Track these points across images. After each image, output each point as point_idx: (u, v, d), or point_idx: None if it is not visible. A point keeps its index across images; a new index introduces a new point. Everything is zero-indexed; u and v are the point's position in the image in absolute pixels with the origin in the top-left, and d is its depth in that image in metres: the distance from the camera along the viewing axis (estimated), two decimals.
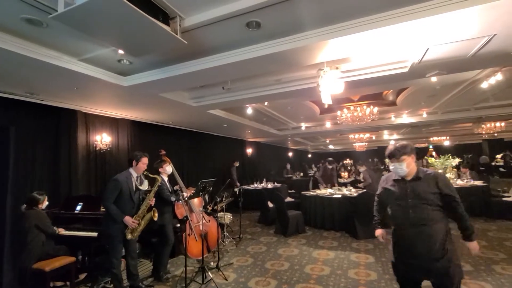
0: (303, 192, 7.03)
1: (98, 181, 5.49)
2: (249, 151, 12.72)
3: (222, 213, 5.43)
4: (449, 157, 7.73)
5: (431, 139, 17.26)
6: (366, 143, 17.59)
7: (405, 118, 9.40)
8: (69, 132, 5.01)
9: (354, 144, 17.45)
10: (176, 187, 4.25)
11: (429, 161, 8.49)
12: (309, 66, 3.97)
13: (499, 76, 5.12)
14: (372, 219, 2.49)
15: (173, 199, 3.90)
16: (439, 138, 16.89)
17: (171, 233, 3.89)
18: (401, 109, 8.58)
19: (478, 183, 7.06)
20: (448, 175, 7.51)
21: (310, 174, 14.59)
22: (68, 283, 3.56)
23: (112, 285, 3.44)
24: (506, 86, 5.96)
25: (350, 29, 2.72)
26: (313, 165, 20.11)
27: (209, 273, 3.70)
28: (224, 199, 5.39)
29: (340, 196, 6.11)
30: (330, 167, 7.97)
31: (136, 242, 3.48)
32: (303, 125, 10.60)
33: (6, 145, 2.66)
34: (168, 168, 4.05)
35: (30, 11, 2.39)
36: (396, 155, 2.08)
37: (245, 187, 9.08)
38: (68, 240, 3.71)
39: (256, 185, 9.46)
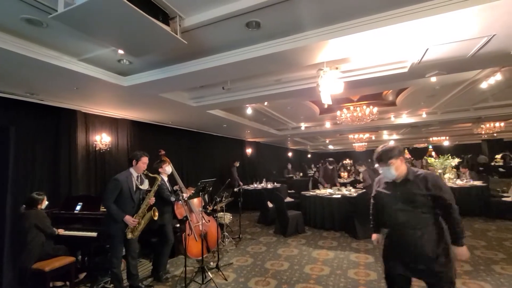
0: (302, 192, 7.04)
1: (97, 181, 5.49)
2: (249, 151, 12.72)
3: (221, 213, 5.43)
4: (448, 157, 7.74)
5: (431, 139, 17.28)
6: (366, 143, 17.60)
7: (405, 118, 9.40)
8: (69, 132, 5.00)
9: (353, 144, 17.45)
10: (175, 187, 4.25)
11: (429, 161, 8.51)
12: (309, 66, 3.97)
13: (498, 76, 5.12)
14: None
15: (172, 199, 3.90)
16: (439, 138, 16.91)
17: (170, 233, 3.89)
18: (400, 109, 8.58)
19: (478, 183, 7.06)
20: (447, 175, 7.53)
21: (309, 174, 14.60)
22: (67, 283, 3.56)
23: (112, 285, 3.44)
24: (506, 86, 5.97)
25: (350, 29, 2.72)
26: (312, 165, 20.12)
27: (209, 273, 3.70)
28: (223, 199, 5.39)
29: (339, 196, 6.12)
30: (330, 167, 7.98)
31: (136, 242, 3.48)
32: (303, 125, 10.60)
33: (6, 145, 2.65)
34: (168, 168, 4.05)
35: (30, 11, 2.38)
36: (383, 159, 2.01)
37: (245, 187, 9.09)
38: (68, 240, 3.71)
39: (255, 185, 9.47)
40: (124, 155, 6.09)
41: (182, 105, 5.52)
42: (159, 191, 3.67)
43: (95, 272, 3.87)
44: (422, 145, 21.85)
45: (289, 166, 14.10)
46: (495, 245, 4.60)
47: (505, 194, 7.01)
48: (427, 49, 3.30)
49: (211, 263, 4.25)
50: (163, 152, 4.20)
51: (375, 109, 7.50)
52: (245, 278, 3.75)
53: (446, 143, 18.09)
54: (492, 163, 14.83)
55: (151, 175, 3.54)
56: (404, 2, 2.45)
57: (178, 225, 4.55)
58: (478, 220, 6.30)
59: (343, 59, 3.83)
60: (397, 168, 1.99)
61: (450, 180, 7.42)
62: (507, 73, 5.13)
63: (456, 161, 7.85)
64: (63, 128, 4.92)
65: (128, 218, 3.20)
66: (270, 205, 6.87)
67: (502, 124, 10.54)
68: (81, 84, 3.89)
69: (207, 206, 5.20)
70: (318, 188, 7.57)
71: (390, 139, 17.36)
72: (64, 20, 2.13)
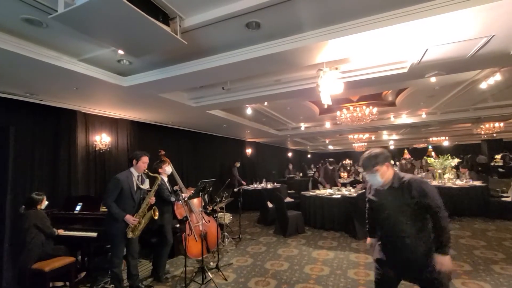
0: (302, 192, 7.04)
1: (97, 182, 5.49)
2: (249, 151, 12.73)
3: (221, 213, 5.44)
4: (448, 157, 7.75)
5: (430, 139, 17.31)
6: (366, 144, 17.61)
7: (405, 119, 9.41)
8: (68, 132, 5.00)
9: (353, 145, 17.48)
10: (176, 187, 4.25)
11: (428, 161, 8.52)
12: (308, 67, 3.97)
13: (498, 77, 5.13)
14: None
15: (172, 199, 3.91)
16: (438, 138, 16.93)
17: (170, 234, 3.89)
18: (400, 110, 8.59)
19: (477, 183, 7.07)
20: (447, 175, 7.54)
21: (309, 175, 14.61)
22: (67, 283, 3.56)
23: (111, 285, 3.44)
24: (505, 86, 5.98)
25: (350, 30, 2.72)
26: (312, 166, 20.13)
27: (209, 273, 3.70)
28: (223, 199, 5.40)
29: (339, 196, 6.12)
30: (330, 167, 7.98)
31: (137, 242, 3.48)
32: (303, 126, 10.61)
33: (6, 145, 2.66)
34: (168, 169, 4.05)
35: (30, 11, 2.39)
36: (368, 166, 1.95)
37: (245, 187, 9.09)
38: (68, 240, 3.71)
39: (255, 185, 9.47)
40: (124, 155, 6.09)
41: (182, 105, 5.52)
42: (159, 191, 3.67)
43: (95, 272, 3.87)
44: (421, 145, 21.87)
45: (290, 166, 14.09)
46: (494, 245, 4.60)
47: (504, 194, 7.02)
48: (426, 50, 3.31)
49: (211, 263, 4.25)
50: (163, 152, 4.20)
51: (375, 109, 7.51)
52: (245, 278, 3.76)
53: (445, 143, 18.11)
54: (492, 163, 14.84)
55: (151, 174, 3.55)
56: (404, 3, 2.46)
57: (178, 225, 4.55)
58: (478, 220, 6.30)
59: (343, 60, 3.83)
60: (383, 175, 1.93)
61: (450, 180, 7.43)
62: (506, 73, 5.14)
63: (455, 161, 7.86)
64: (63, 128, 4.92)
65: (128, 217, 3.20)
66: (270, 205, 6.88)
67: (502, 124, 10.57)
68: (81, 84, 3.89)
69: (207, 206, 5.20)
70: (318, 188, 7.57)
71: (390, 139, 17.39)
72: (64, 20, 2.13)
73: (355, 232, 5.38)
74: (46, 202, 3.68)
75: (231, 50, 3.26)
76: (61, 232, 3.67)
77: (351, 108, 7.68)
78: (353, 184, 8.84)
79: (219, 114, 6.90)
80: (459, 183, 7.19)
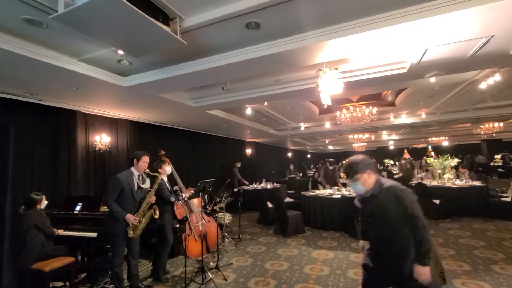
0: (302, 193, 7.04)
1: (97, 182, 5.49)
2: (249, 151, 12.73)
3: (221, 213, 5.44)
4: (447, 157, 7.76)
5: (430, 139, 17.32)
6: (365, 144, 17.63)
7: (404, 119, 9.43)
8: (68, 133, 5.00)
9: (353, 145, 17.50)
10: (175, 188, 4.25)
11: (428, 161, 8.53)
12: (308, 67, 3.98)
13: (497, 77, 5.14)
14: None
15: (172, 199, 3.91)
16: (438, 138, 16.95)
17: (170, 234, 3.89)
18: (400, 110, 8.60)
19: (477, 183, 7.07)
20: (447, 175, 7.55)
21: (309, 175, 14.60)
22: (67, 283, 3.56)
23: (111, 285, 3.44)
24: (505, 86, 5.99)
25: (349, 30, 2.73)
26: (312, 166, 20.14)
27: (209, 273, 3.70)
28: (223, 199, 5.40)
29: (339, 196, 6.12)
30: (331, 167, 7.98)
31: (138, 242, 3.49)
32: (302, 126, 10.61)
33: (5, 145, 2.66)
34: (168, 169, 4.05)
35: (30, 11, 2.39)
36: (349, 174, 1.94)
37: (244, 187, 9.09)
38: (68, 240, 3.71)
39: (255, 186, 9.47)
40: (123, 155, 6.09)
41: (182, 105, 5.52)
42: (159, 191, 3.68)
43: (95, 273, 3.87)
44: (421, 145, 21.89)
45: (291, 166, 14.04)
46: (494, 245, 4.61)
47: (504, 194, 7.03)
48: (426, 50, 3.31)
49: (211, 263, 4.25)
50: (163, 152, 4.20)
51: (375, 110, 7.52)
52: (245, 278, 3.76)
53: (445, 143, 18.13)
54: (492, 163, 14.85)
55: (151, 173, 3.56)
56: (404, 3, 2.46)
57: (178, 225, 4.55)
58: (477, 220, 6.30)
59: (343, 60, 3.84)
60: (364, 183, 1.90)
61: (450, 180, 7.44)
62: (506, 73, 5.15)
63: (455, 161, 7.87)
64: (62, 128, 4.92)
65: (129, 217, 3.21)
66: (269, 205, 6.88)
67: (501, 124, 10.58)
68: (81, 85, 3.89)
69: (207, 207, 5.20)
70: (318, 188, 7.57)
71: (389, 139, 17.40)
72: (64, 20, 2.13)
73: (355, 232, 5.38)
74: (46, 202, 3.68)
75: (231, 50, 3.26)
76: (61, 232, 3.66)
77: (351, 108, 7.69)
78: None
79: (219, 114, 6.91)
80: (458, 183, 7.20)
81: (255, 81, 4.83)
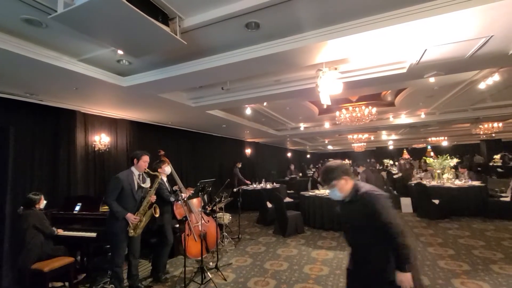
0: (302, 192, 7.04)
1: (97, 182, 5.49)
2: (248, 151, 12.73)
3: (221, 213, 5.44)
4: (447, 157, 7.77)
5: (429, 139, 17.36)
6: (365, 144, 17.65)
7: (404, 119, 9.44)
8: (68, 133, 5.00)
9: (352, 145, 17.52)
10: (175, 188, 4.25)
11: (427, 161, 8.54)
12: (308, 67, 3.99)
13: (496, 77, 5.15)
14: None
15: (172, 199, 3.91)
16: (437, 138, 16.99)
17: (170, 234, 3.89)
18: (399, 110, 8.61)
19: (476, 183, 7.08)
20: (446, 175, 7.56)
21: (309, 175, 14.61)
22: (67, 283, 3.56)
23: (111, 285, 3.44)
24: (504, 86, 6.00)
25: (349, 30, 2.73)
26: (311, 165, 20.15)
27: (208, 273, 3.70)
28: (223, 199, 5.40)
29: None
30: None
31: (139, 242, 3.49)
32: (302, 126, 10.62)
33: (5, 145, 2.66)
34: (167, 169, 4.05)
35: (29, 11, 2.39)
36: (325, 180, 1.92)
37: (244, 187, 9.09)
38: (67, 240, 3.71)
39: (255, 186, 9.47)
40: (123, 155, 6.09)
41: (182, 105, 5.52)
42: (158, 191, 3.68)
43: (94, 273, 3.87)
44: (420, 145, 21.93)
45: (292, 167, 14.00)
46: (493, 245, 4.61)
47: (503, 194, 7.03)
48: (425, 50, 3.32)
49: (211, 263, 4.25)
50: (162, 152, 4.20)
51: (374, 110, 7.53)
52: (244, 278, 3.76)
53: (444, 143, 18.16)
54: (491, 163, 14.89)
55: (152, 173, 3.56)
56: (403, 3, 2.47)
57: (177, 225, 4.55)
58: (477, 220, 6.31)
59: (342, 60, 3.84)
60: (341, 189, 1.88)
61: (449, 180, 7.45)
62: (505, 73, 5.16)
63: (454, 161, 7.88)
64: (62, 128, 4.92)
65: (129, 216, 3.22)
66: (269, 205, 6.88)
67: (501, 124, 10.60)
68: (81, 85, 3.89)
69: (206, 207, 5.20)
70: (317, 188, 7.57)
71: (389, 139, 17.42)
72: (64, 20, 2.13)
73: None
74: (45, 202, 3.68)
75: (230, 50, 3.27)
76: (60, 232, 3.66)
77: (350, 108, 7.70)
78: None
79: (218, 114, 6.91)
80: (458, 183, 7.21)
81: (254, 81, 4.83)
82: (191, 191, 4.18)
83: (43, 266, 3.16)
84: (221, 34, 2.90)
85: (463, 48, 3.23)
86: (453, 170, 8.21)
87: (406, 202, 7.70)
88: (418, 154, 19.70)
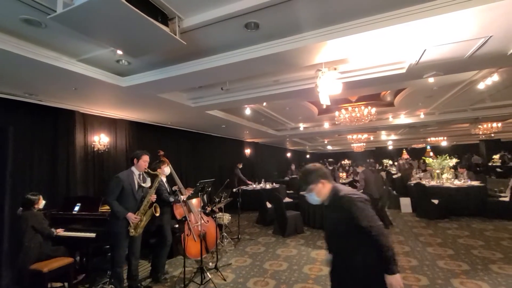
0: (301, 192, 6.99)
1: (96, 182, 5.48)
2: (248, 151, 12.73)
3: (220, 213, 5.43)
4: (446, 157, 7.77)
5: (429, 139, 17.37)
6: (364, 144, 17.65)
7: (403, 119, 9.45)
8: (67, 133, 4.99)
9: (352, 145, 17.51)
10: (174, 188, 4.25)
11: (427, 161, 8.55)
12: (307, 67, 3.99)
13: (495, 77, 5.15)
14: None
15: (171, 199, 3.91)
16: (437, 138, 17.00)
17: (169, 234, 3.89)
18: (398, 110, 8.62)
19: (475, 183, 7.09)
20: (445, 175, 7.56)
21: None
22: (66, 284, 3.55)
23: (110, 285, 3.43)
24: (503, 87, 6.01)
25: (348, 30, 2.74)
26: None
27: (208, 273, 3.70)
28: (222, 199, 5.39)
29: None
30: (330, 168, 7.99)
31: (140, 242, 3.50)
32: (301, 126, 10.62)
33: (4, 145, 2.65)
34: (166, 169, 4.05)
35: (28, 11, 2.39)
36: (302, 185, 1.87)
37: (244, 187, 9.08)
38: (66, 241, 3.70)
39: (254, 186, 9.47)
40: (122, 155, 6.08)
41: (181, 105, 5.52)
42: (157, 192, 3.67)
43: (94, 273, 3.86)
44: (420, 146, 21.94)
45: (293, 167, 13.96)
46: (492, 245, 4.62)
47: (502, 194, 7.05)
48: (424, 50, 3.32)
49: (210, 264, 4.25)
50: (162, 152, 4.20)
51: (373, 110, 7.53)
52: (244, 279, 3.76)
53: (444, 143, 18.19)
54: (490, 163, 14.91)
55: (152, 172, 3.57)
56: (402, 4, 2.47)
57: (177, 226, 4.55)
58: (476, 220, 6.32)
59: (342, 60, 3.85)
60: (319, 193, 1.83)
61: (448, 180, 7.45)
62: (504, 73, 5.17)
63: (454, 161, 7.88)
64: (61, 128, 4.91)
65: (130, 215, 3.23)
66: (268, 205, 6.88)
67: (500, 124, 10.61)
68: (80, 85, 3.89)
69: (206, 207, 5.19)
70: None
71: (388, 139, 17.44)
72: (63, 20, 2.13)
73: None
74: (43, 202, 3.67)
75: (230, 51, 3.27)
76: (60, 232, 3.66)
77: (350, 108, 7.70)
78: (352, 184, 8.86)
79: (218, 115, 6.91)
80: (457, 183, 7.22)
81: (254, 81, 4.83)
82: (190, 191, 4.18)
83: (42, 267, 3.15)
84: (220, 34, 2.90)
85: (462, 48, 3.23)
86: (452, 170, 8.22)
87: (405, 202, 7.71)
88: (418, 154, 19.72)
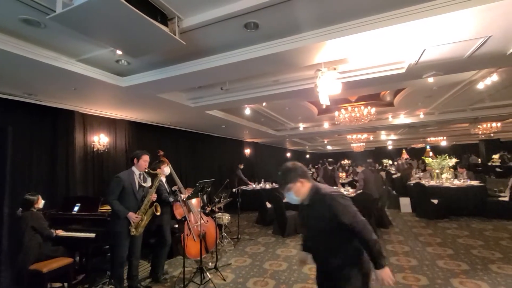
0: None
1: (95, 182, 5.47)
2: (247, 151, 12.73)
3: (220, 213, 5.43)
4: (446, 157, 7.78)
5: (428, 139, 17.39)
6: (364, 144, 17.67)
7: (403, 119, 9.46)
8: (66, 133, 4.99)
9: (352, 145, 17.53)
10: (174, 188, 4.25)
11: (426, 161, 8.55)
12: (307, 67, 3.99)
13: (494, 77, 5.17)
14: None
15: (171, 199, 3.91)
16: (436, 138, 17.02)
17: (168, 234, 3.89)
18: (398, 110, 8.63)
19: (475, 183, 7.10)
20: (445, 175, 7.57)
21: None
22: (66, 284, 3.54)
23: (110, 285, 3.44)
24: (502, 87, 6.02)
25: (348, 30, 2.74)
26: (310, 166, 20.13)
27: (208, 273, 3.70)
28: (222, 199, 5.39)
29: None
30: (330, 167, 7.99)
31: (140, 242, 3.50)
32: (301, 126, 10.62)
33: (3, 145, 2.64)
34: (166, 169, 4.05)
35: (28, 11, 2.38)
36: (281, 184, 1.83)
37: (243, 187, 9.08)
38: (66, 241, 3.70)
39: (254, 186, 9.47)
40: (122, 155, 6.08)
41: (181, 105, 5.52)
42: (157, 192, 3.67)
43: (93, 273, 3.86)
44: (419, 145, 21.97)
45: None
46: (492, 245, 4.62)
47: (502, 194, 7.05)
48: (424, 50, 3.33)
49: (210, 264, 4.25)
50: (161, 152, 4.20)
51: (373, 110, 7.54)
52: (243, 279, 3.76)
53: (443, 143, 18.20)
54: (489, 163, 14.93)
55: (152, 172, 3.57)
56: (401, 4, 2.47)
57: (176, 226, 4.55)
58: (475, 219, 6.33)
59: (341, 60, 3.85)
60: (297, 192, 1.79)
61: (448, 180, 7.46)
62: (503, 73, 5.18)
63: (453, 161, 7.89)
64: (61, 128, 4.90)
65: (131, 215, 3.23)
66: (268, 205, 6.88)
67: (499, 124, 10.63)
68: (79, 85, 3.88)
69: (206, 207, 5.19)
70: None
71: (388, 139, 17.45)
72: (62, 20, 2.13)
73: None
74: (43, 201, 3.66)
75: (229, 51, 3.27)
76: (59, 232, 3.65)
77: (349, 108, 7.70)
78: (351, 184, 8.86)
79: (217, 115, 6.91)
80: (456, 183, 7.22)
81: (253, 81, 4.83)
82: (190, 191, 4.18)
83: (41, 267, 3.15)
84: (220, 34, 2.90)
85: (461, 48, 3.24)
86: (452, 170, 8.23)
87: (405, 202, 7.71)
88: (417, 154, 19.74)
